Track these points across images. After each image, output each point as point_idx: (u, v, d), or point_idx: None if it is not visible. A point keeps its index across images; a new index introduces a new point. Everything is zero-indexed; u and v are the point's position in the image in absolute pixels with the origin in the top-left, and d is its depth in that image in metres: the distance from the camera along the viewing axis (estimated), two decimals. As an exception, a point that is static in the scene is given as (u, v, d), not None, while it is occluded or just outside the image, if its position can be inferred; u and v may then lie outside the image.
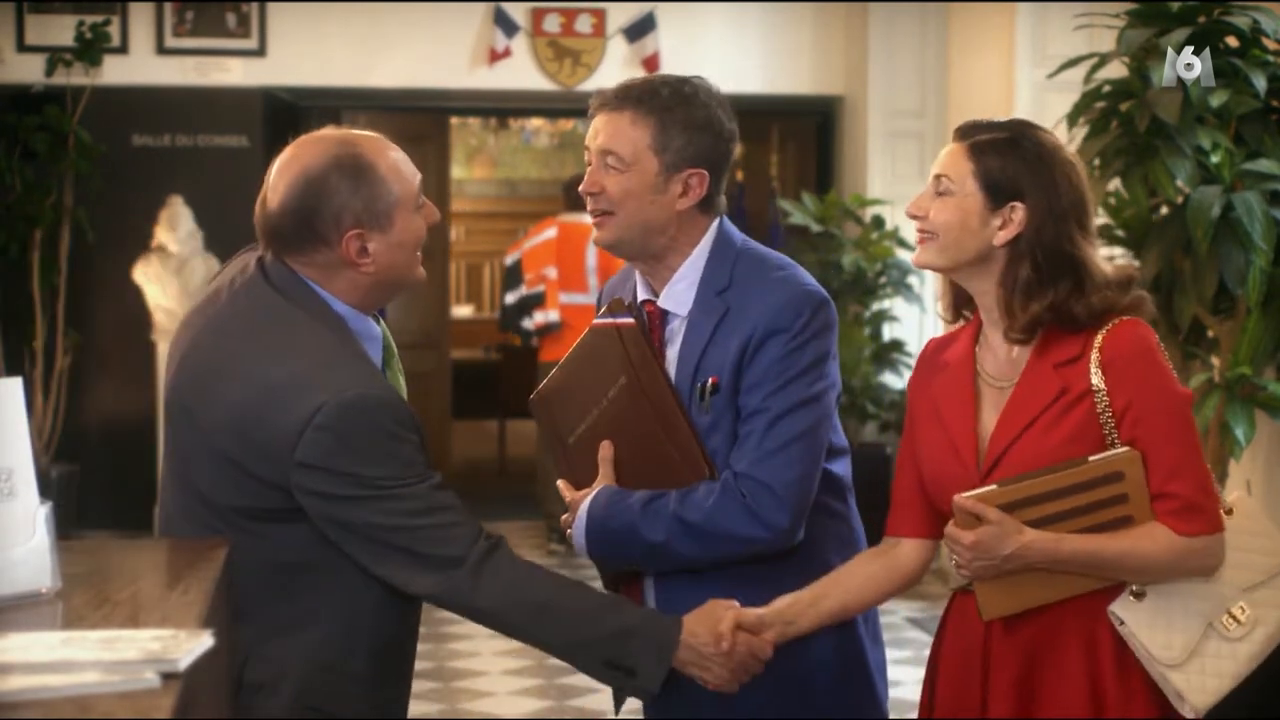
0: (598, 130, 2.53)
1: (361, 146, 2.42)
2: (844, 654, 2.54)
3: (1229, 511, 2.40)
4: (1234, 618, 2.34)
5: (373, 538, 2.36)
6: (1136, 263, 4.73)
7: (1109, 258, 2.72)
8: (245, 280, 2.46)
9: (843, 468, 2.60)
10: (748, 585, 2.49)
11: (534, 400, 2.72)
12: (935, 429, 2.47)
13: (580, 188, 2.56)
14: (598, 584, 2.67)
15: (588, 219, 2.58)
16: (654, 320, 2.56)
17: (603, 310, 2.63)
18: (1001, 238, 2.37)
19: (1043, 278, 2.35)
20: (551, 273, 8.48)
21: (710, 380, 2.47)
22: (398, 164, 2.44)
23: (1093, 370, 2.33)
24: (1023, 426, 2.36)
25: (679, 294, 2.54)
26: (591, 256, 8.27)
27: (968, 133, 2.42)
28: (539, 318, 8.60)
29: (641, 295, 2.59)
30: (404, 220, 2.43)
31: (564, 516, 2.60)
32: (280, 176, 2.41)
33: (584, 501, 2.53)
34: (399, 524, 2.35)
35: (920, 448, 2.50)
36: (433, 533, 2.37)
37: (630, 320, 2.54)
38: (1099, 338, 2.34)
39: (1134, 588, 2.33)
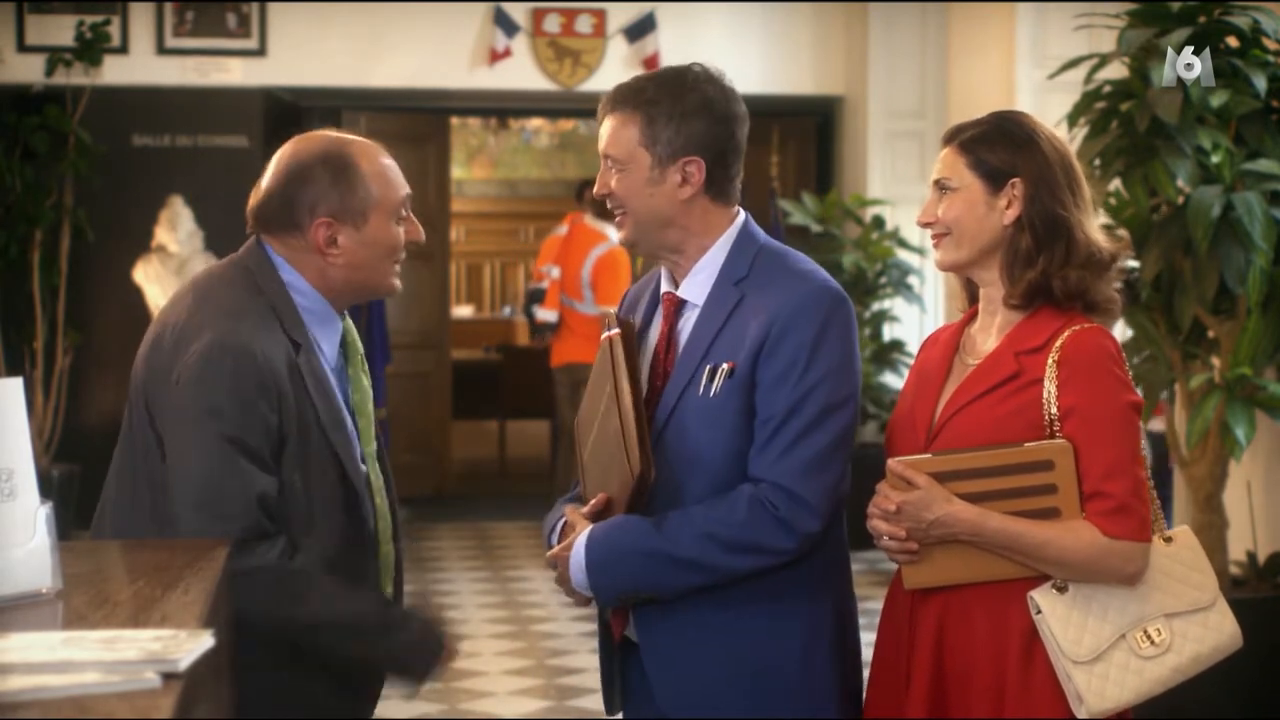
0: (601, 135, 2.60)
1: (352, 147, 2.53)
2: (813, 654, 2.52)
3: (1169, 540, 2.43)
4: (1148, 637, 2.36)
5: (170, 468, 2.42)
6: (1131, 252, 4.74)
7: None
8: (225, 259, 2.61)
9: None
10: (731, 612, 2.48)
11: (575, 426, 2.78)
12: (906, 398, 2.57)
13: (594, 191, 2.66)
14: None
15: (600, 225, 2.64)
16: (669, 309, 2.59)
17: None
18: (1009, 215, 2.45)
19: (1039, 244, 2.43)
20: (555, 272, 8.42)
21: (726, 365, 2.48)
22: (384, 170, 2.53)
23: (1048, 364, 2.38)
24: (969, 399, 2.44)
25: (698, 284, 2.57)
26: (587, 270, 8.13)
27: (953, 135, 2.53)
28: (540, 314, 8.56)
29: (664, 288, 2.63)
30: (379, 223, 2.52)
31: (552, 552, 2.56)
32: (274, 164, 2.55)
33: (577, 540, 2.48)
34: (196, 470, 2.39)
35: (893, 415, 2.60)
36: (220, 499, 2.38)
37: (617, 330, 2.55)
38: (1062, 338, 2.40)
39: (1057, 581, 2.37)
